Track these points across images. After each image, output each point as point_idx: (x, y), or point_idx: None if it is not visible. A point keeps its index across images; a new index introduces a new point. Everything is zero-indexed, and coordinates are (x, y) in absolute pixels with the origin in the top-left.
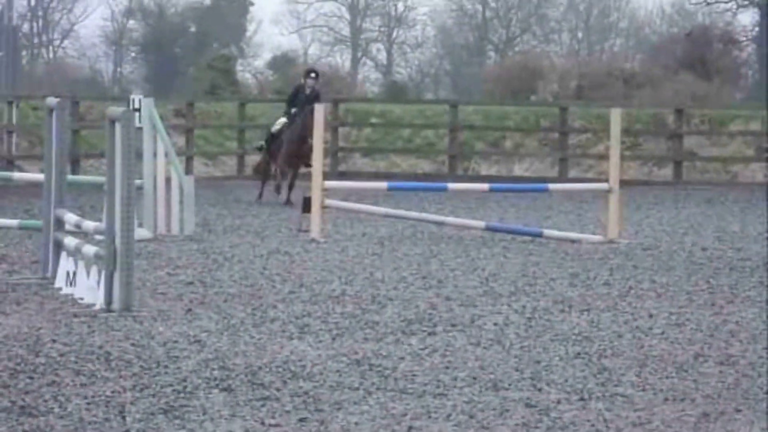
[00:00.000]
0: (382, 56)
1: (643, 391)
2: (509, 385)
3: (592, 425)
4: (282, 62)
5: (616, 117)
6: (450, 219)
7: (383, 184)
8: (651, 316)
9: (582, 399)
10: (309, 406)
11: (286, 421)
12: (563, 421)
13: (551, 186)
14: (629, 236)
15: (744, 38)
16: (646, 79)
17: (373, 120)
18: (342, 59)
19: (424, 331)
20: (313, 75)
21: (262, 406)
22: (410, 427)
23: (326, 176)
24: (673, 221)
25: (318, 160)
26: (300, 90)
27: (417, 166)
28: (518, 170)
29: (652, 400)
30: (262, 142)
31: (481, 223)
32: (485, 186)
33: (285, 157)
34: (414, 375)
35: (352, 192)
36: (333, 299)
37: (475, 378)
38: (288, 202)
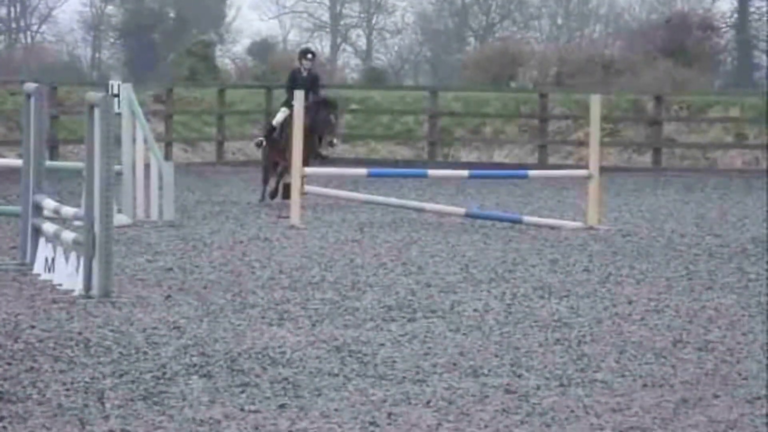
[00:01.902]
0: (362, 42)
1: (622, 377)
2: (489, 371)
3: (572, 411)
4: (261, 48)
5: (595, 103)
6: (430, 205)
7: (363, 171)
8: (630, 302)
9: (561, 385)
10: (288, 392)
11: (266, 407)
12: (542, 407)
13: (531, 172)
14: (609, 223)
15: (723, 25)
16: (626, 66)
17: (353, 106)
18: (321, 45)
19: (404, 317)
20: (309, 56)
21: (242, 392)
22: (390, 413)
23: (306, 162)
24: (652, 208)
25: (297, 147)
26: (297, 73)
27: (397, 152)
28: (498, 157)
29: (631, 385)
30: (261, 138)
31: (461, 210)
32: (465, 172)
33: (283, 156)
34: (394, 361)
35: (332, 178)
36: (313, 285)
37: (454, 364)
38: (272, 197)
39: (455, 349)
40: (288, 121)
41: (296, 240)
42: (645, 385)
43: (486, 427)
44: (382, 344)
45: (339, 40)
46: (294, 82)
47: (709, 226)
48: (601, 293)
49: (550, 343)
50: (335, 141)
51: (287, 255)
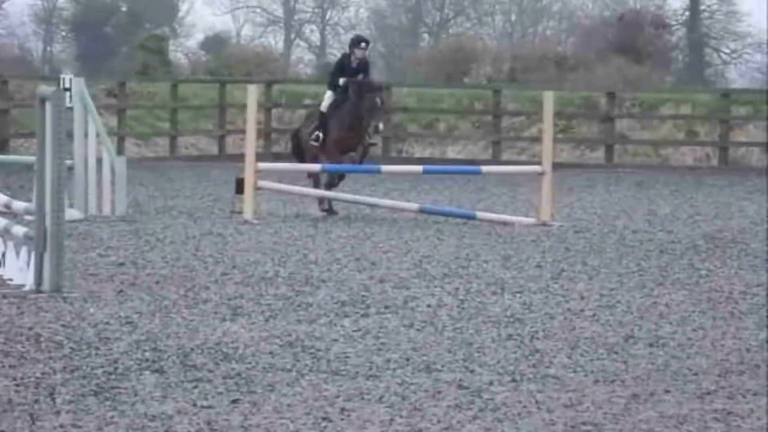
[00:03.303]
0: (316, 38)
1: (574, 372)
2: (442, 366)
3: (524, 407)
4: (215, 43)
5: (548, 100)
6: (383, 201)
7: (316, 166)
8: (582, 298)
9: (514, 380)
10: (241, 387)
11: (218, 403)
12: (495, 402)
13: (484, 168)
14: (561, 219)
15: (675, 22)
16: (579, 63)
17: (307, 101)
18: (275, 40)
19: (357, 312)
20: (363, 45)
21: (194, 387)
22: (343, 409)
23: (259, 158)
24: (604, 204)
25: (251, 142)
26: (346, 59)
27: None
28: (452, 153)
29: (583, 381)
30: (318, 133)
31: (415, 205)
32: (419, 168)
33: (333, 147)
34: (347, 357)
35: (286, 173)
36: (266, 281)
37: (407, 360)
38: (330, 210)
39: (408, 344)
40: (333, 107)
41: (249, 235)
42: (597, 381)
43: (439, 422)
44: (336, 339)
45: (293, 35)
46: (341, 68)
47: (660, 222)
48: (554, 289)
49: (502, 339)
50: (381, 126)
51: (240, 250)
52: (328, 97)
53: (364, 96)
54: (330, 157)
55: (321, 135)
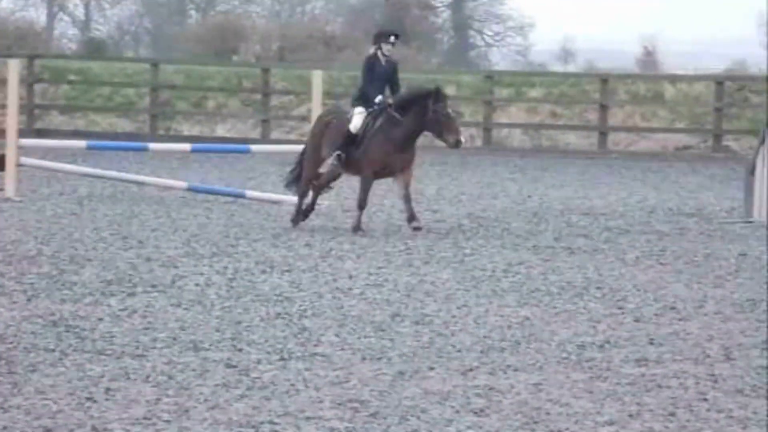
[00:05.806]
0: (80, 12)
1: (341, 350)
2: (210, 345)
3: (292, 384)
4: None
5: (317, 79)
6: (151, 179)
7: (82, 143)
8: (350, 276)
9: (282, 359)
10: (1, 368)
11: None
12: (263, 381)
13: (253, 147)
14: (330, 198)
15: (440, 4)
16: (347, 43)
17: (71, 77)
18: (37, 14)
19: (124, 291)
20: (392, 39)
21: None
22: (108, 389)
23: (22, 134)
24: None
25: (13, 117)
26: (375, 61)
27: (117, 125)
28: (221, 131)
29: (350, 359)
30: (339, 152)
31: (183, 184)
32: (187, 146)
33: (370, 168)
34: (113, 336)
35: (50, 150)
36: (28, 259)
37: (175, 339)
38: (358, 228)
39: (176, 323)
40: (367, 128)
41: (11, 213)
42: (364, 359)
43: (206, 401)
44: (101, 319)
45: (55, 8)
46: (371, 72)
47: (426, 201)
48: (323, 268)
49: (271, 318)
50: (462, 140)
51: (1, 228)
52: (359, 113)
53: (428, 109)
54: (365, 181)
55: (343, 155)
